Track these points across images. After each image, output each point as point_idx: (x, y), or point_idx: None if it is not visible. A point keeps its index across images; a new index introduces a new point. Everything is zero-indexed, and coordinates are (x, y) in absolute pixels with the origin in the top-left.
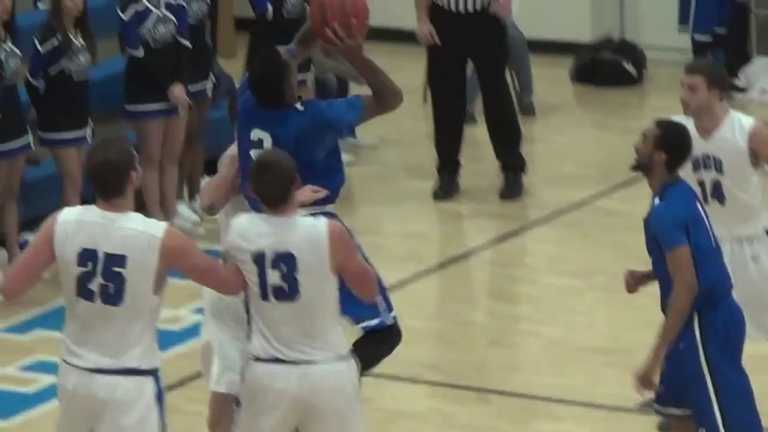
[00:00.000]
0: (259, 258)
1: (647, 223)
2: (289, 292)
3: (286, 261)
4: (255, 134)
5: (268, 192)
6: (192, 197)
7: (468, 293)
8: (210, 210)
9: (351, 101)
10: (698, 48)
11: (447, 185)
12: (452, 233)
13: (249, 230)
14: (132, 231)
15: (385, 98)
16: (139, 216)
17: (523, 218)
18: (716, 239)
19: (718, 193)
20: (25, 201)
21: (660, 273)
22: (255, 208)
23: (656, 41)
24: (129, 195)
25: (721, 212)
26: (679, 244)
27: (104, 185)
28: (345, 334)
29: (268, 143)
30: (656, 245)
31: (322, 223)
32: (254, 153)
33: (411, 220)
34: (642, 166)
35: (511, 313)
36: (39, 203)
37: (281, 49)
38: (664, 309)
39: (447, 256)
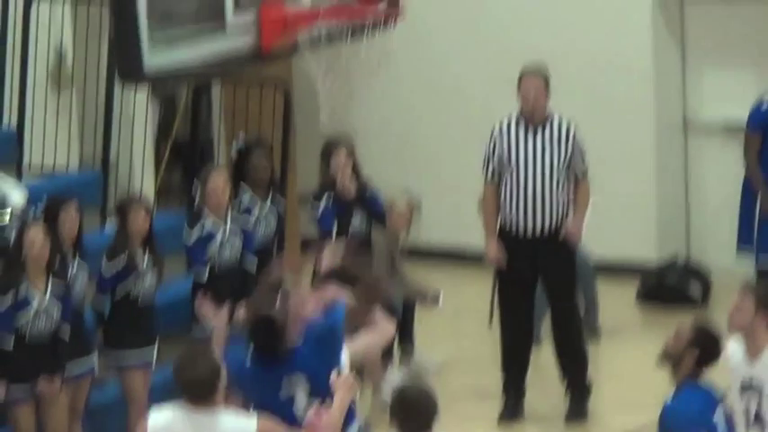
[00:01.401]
0: None
1: (660, 422)
2: None
3: None
4: (287, 385)
5: (412, 427)
6: None
7: None
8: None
9: (334, 307)
10: (762, 274)
11: (512, 408)
12: None
13: None
14: (227, 430)
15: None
16: (230, 413)
17: None
18: None
19: (759, 419)
20: (90, 423)
21: None
22: None
23: (722, 263)
24: (219, 395)
25: None
26: None
27: (194, 398)
28: None
29: (304, 385)
30: None
31: None
32: (297, 401)
33: None
34: (670, 361)
35: None
36: (104, 426)
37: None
38: None
39: None
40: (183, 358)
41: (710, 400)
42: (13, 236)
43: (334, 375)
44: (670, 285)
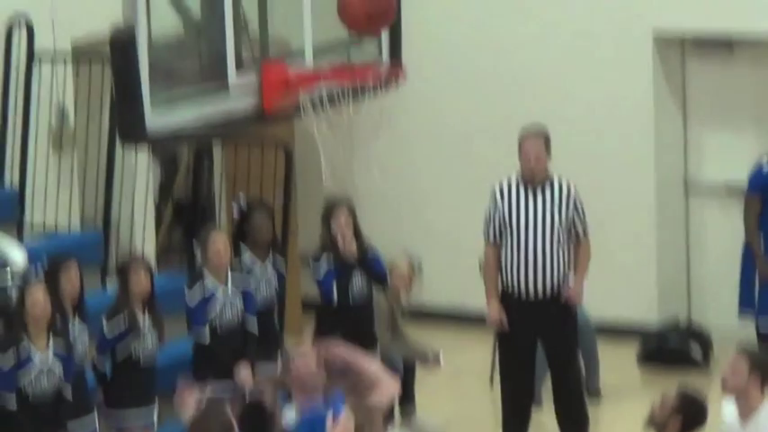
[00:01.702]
0: None
1: None
2: None
3: None
4: None
5: None
6: None
7: None
8: None
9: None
10: (763, 337)
11: None
12: None
13: None
14: None
15: None
16: None
17: None
18: None
19: None
20: None
21: None
22: None
23: (723, 325)
24: None
25: None
26: None
27: None
28: None
29: None
30: None
31: None
32: None
33: None
34: (655, 428)
35: None
36: None
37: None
38: None
39: None
40: (198, 418)
41: None
42: (14, 296)
43: (329, 421)
44: (671, 347)
